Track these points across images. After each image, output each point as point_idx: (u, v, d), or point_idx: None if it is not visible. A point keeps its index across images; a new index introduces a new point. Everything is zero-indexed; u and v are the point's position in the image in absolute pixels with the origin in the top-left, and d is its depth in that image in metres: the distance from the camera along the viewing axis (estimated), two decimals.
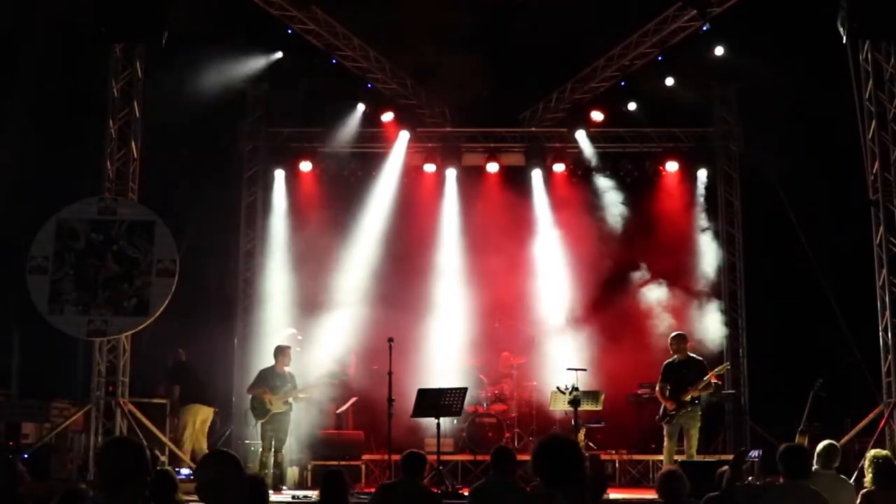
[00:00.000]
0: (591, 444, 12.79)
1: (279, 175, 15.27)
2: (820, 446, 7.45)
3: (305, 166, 15.16)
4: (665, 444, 11.40)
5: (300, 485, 12.15)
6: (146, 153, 12.21)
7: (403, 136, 15.13)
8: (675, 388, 11.28)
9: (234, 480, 4.02)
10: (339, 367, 13.55)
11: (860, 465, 10.67)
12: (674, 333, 11.75)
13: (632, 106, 15.13)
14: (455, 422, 13.08)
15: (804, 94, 12.77)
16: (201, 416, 12.59)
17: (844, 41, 11.36)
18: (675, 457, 11.13)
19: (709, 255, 14.94)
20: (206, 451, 11.94)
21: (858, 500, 6.86)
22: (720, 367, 11.76)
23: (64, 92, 13.15)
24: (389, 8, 13.39)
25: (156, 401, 12.65)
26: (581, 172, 15.47)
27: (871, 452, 7.04)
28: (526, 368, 14.16)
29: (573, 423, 11.21)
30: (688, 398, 11.17)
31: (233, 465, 4.07)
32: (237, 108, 15.00)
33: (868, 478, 6.89)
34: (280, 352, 11.97)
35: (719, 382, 12.29)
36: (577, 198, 15.12)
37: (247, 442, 12.77)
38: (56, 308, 11.50)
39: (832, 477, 7.13)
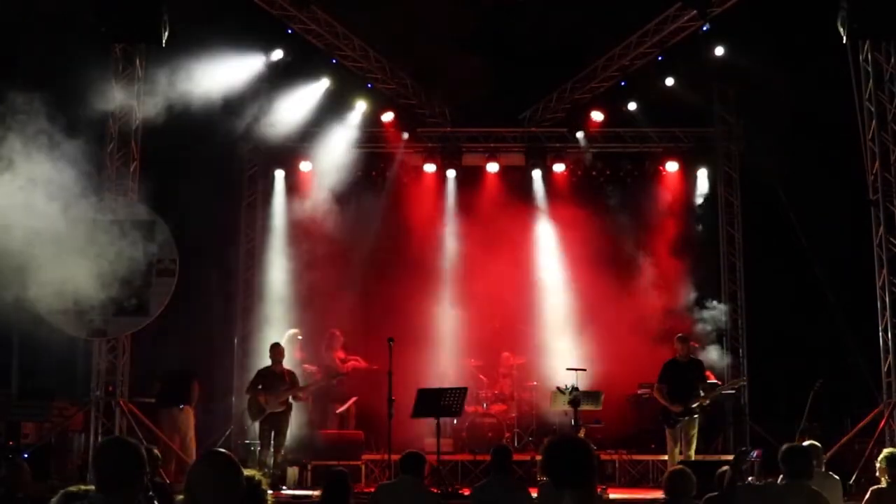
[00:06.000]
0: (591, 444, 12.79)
1: (279, 175, 15.28)
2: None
3: (305, 166, 15.16)
4: (670, 448, 11.41)
5: (300, 485, 12.14)
6: (146, 153, 12.20)
7: (403, 136, 15.13)
8: (676, 390, 11.27)
9: (229, 481, 3.82)
10: (338, 365, 13.54)
11: (860, 464, 10.77)
12: (679, 335, 11.78)
13: (632, 106, 15.09)
14: (455, 422, 13.10)
15: (804, 94, 12.74)
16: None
17: (844, 41, 11.36)
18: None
19: (709, 255, 14.94)
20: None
21: (868, 496, 6.96)
22: (736, 381, 11.96)
23: (64, 91, 13.11)
24: (389, 8, 13.38)
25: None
26: (581, 172, 15.47)
27: (887, 451, 7.16)
28: (526, 368, 14.16)
29: (573, 423, 11.20)
30: (696, 405, 11.19)
31: (228, 465, 3.86)
32: (237, 108, 14.97)
33: (884, 478, 7.01)
34: (274, 350, 11.95)
35: (745, 383, 12.47)
36: (577, 198, 15.13)
37: (246, 442, 12.76)
38: (56, 308, 11.48)
39: (820, 475, 7.17)
